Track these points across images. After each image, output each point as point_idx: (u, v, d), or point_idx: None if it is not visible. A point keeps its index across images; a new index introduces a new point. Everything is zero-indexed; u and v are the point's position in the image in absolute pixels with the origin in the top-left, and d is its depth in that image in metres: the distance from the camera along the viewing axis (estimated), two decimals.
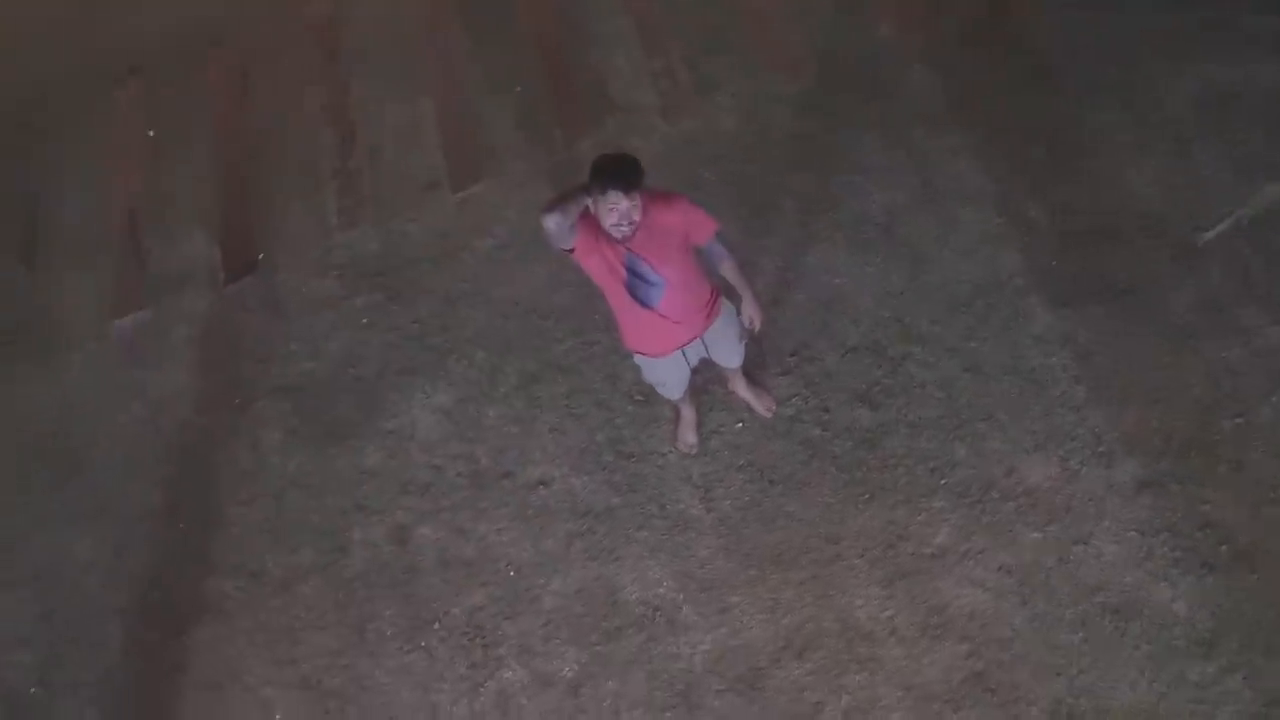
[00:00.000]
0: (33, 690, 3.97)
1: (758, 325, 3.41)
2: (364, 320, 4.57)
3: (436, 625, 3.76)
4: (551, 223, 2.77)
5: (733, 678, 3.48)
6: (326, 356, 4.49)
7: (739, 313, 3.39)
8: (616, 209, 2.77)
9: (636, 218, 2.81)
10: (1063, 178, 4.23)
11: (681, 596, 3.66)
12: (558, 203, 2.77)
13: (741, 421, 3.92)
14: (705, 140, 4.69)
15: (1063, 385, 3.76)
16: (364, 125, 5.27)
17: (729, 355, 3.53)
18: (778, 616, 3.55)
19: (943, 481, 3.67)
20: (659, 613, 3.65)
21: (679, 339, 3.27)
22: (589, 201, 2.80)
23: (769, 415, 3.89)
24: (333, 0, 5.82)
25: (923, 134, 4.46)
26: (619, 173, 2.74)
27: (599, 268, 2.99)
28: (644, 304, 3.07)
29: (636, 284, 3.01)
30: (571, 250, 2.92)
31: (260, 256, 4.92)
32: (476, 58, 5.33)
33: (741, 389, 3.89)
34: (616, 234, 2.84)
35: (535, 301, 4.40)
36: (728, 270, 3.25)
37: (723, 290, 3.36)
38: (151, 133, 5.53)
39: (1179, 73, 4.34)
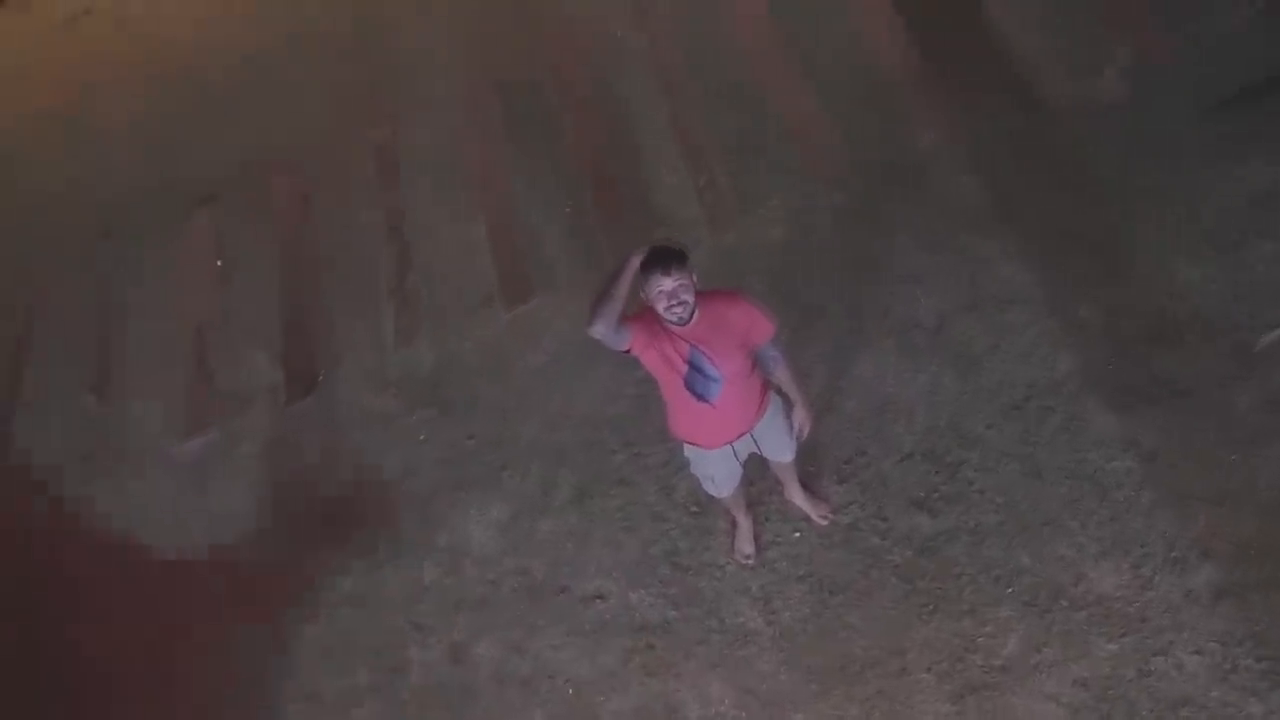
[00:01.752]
0: None
1: (807, 432, 3.43)
2: (420, 436, 4.64)
3: None
4: (599, 331, 2.81)
5: None
6: (383, 474, 4.55)
7: (788, 414, 3.41)
8: (663, 291, 2.84)
9: (687, 298, 2.87)
10: (1113, 281, 4.21)
11: (744, 714, 3.56)
12: (597, 305, 2.79)
13: (799, 531, 3.87)
14: (751, 251, 4.77)
15: (1127, 489, 3.67)
16: (419, 245, 5.45)
17: (779, 449, 3.51)
18: None
19: (1009, 590, 3.57)
20: None
21: (731, 432, 3.27)
22: (624, 289, 2.79)
23: (825, 523, 3.84)
24: (391, 126, 6.09)
25: (968, 239, 4.50)
26: (657, 255, 2.85)
27: (658, 362, 3.02)
28: (700, 397, 3.09)
29: (695, 378, 3.04)
30: (628, 350, 2.97)
31: (321, 376, 5.05)
32: (527, 178, 5.52)
33: (798, 497, 3.85)
34: (672, 317, 2.89)
35: (588, 414, 4.44)
36: (781, 374, 3.29)
37: (771, 387, 3.38)
38: (220, 261, 5.77)
39: (1225, 174, 4.35)
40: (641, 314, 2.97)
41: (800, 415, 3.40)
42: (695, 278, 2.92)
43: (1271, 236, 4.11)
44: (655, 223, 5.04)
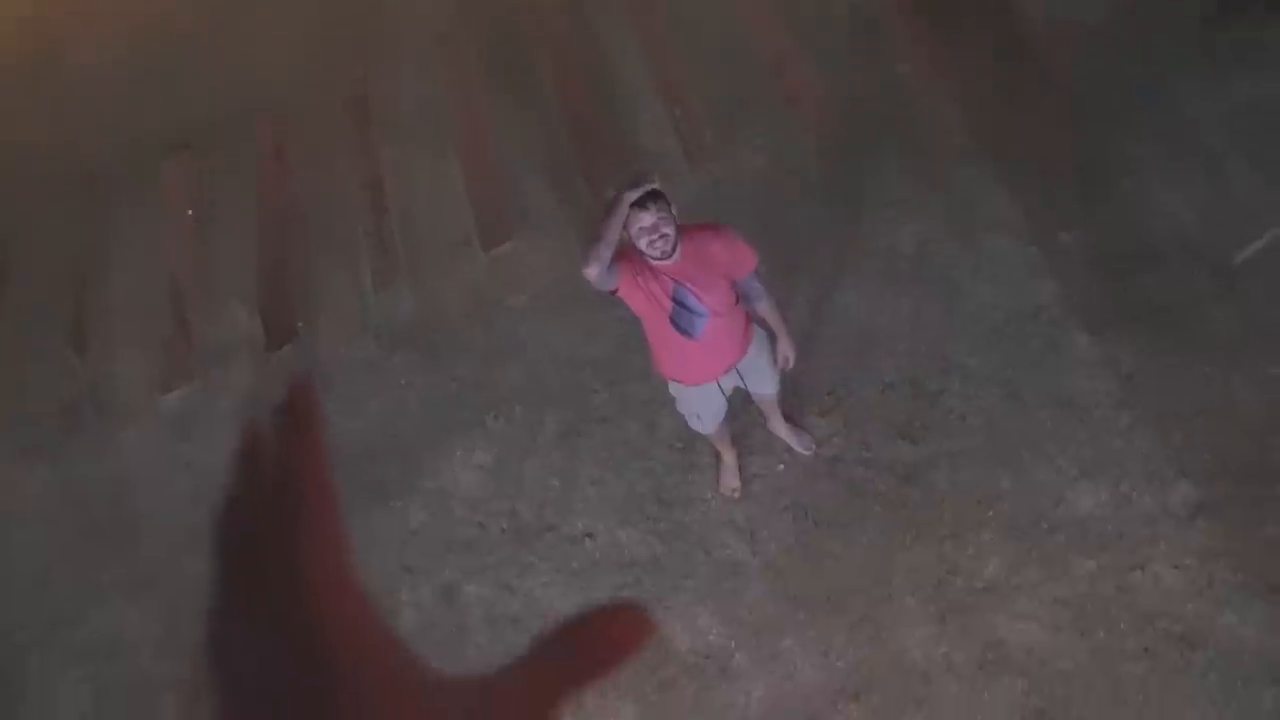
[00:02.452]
0: None
1: (791, 363, 3.44)
2: (402, 380, 4.63)
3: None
4: (593, 273, 2.82)
5: None
6: (367, 418, 4.54)
7: (772, 347, 3.42)
8: (643, 226, 2.83)
9: (667, 230, 2.86)
10: (1094, 203, 4.20)
11: (733, 643, 3.62)
12: (590, 247, 2.82)
13: (783, 463, 3.90)
14: (731, 184, 4.72)
15: (1107, 410, 3.70)
16: (395, 188, 5.38)
17: (764, 382, 3.52)
18: (831, 660, 3.50)
19: (990, 514, 3.62)
20: (711, 660, 3.61)
21: (717, 368, 3.28)
22: (618, 230, 2.82)
23: (809, 454, 3.87)
24: (366, 69, 5.97)
25: (949, 166, 4.46)
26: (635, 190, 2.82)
27: (643, 301, 3.01)
28: (686, 334, 3.09)
29: (681, 314, 3.03)
30: (615, 290, 2.96)
31: (300, 325, 5.01)
32: (504, 120, 5.43)
33: (781, 429, 3.87)
34: (654, 252, 2.88)
35: (571, 354, 4.43)
36: (764, 307, 3.29)
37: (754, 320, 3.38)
38: (190, 211, 5.68)
39: (1207, 93, 4.31)
40: (625, 253, 2.95)
41: (784, 347, 3.40)
42: (674, 211, 2.90)
43: (1251, 153, 4.10)
44: (634, 159, 4.98)
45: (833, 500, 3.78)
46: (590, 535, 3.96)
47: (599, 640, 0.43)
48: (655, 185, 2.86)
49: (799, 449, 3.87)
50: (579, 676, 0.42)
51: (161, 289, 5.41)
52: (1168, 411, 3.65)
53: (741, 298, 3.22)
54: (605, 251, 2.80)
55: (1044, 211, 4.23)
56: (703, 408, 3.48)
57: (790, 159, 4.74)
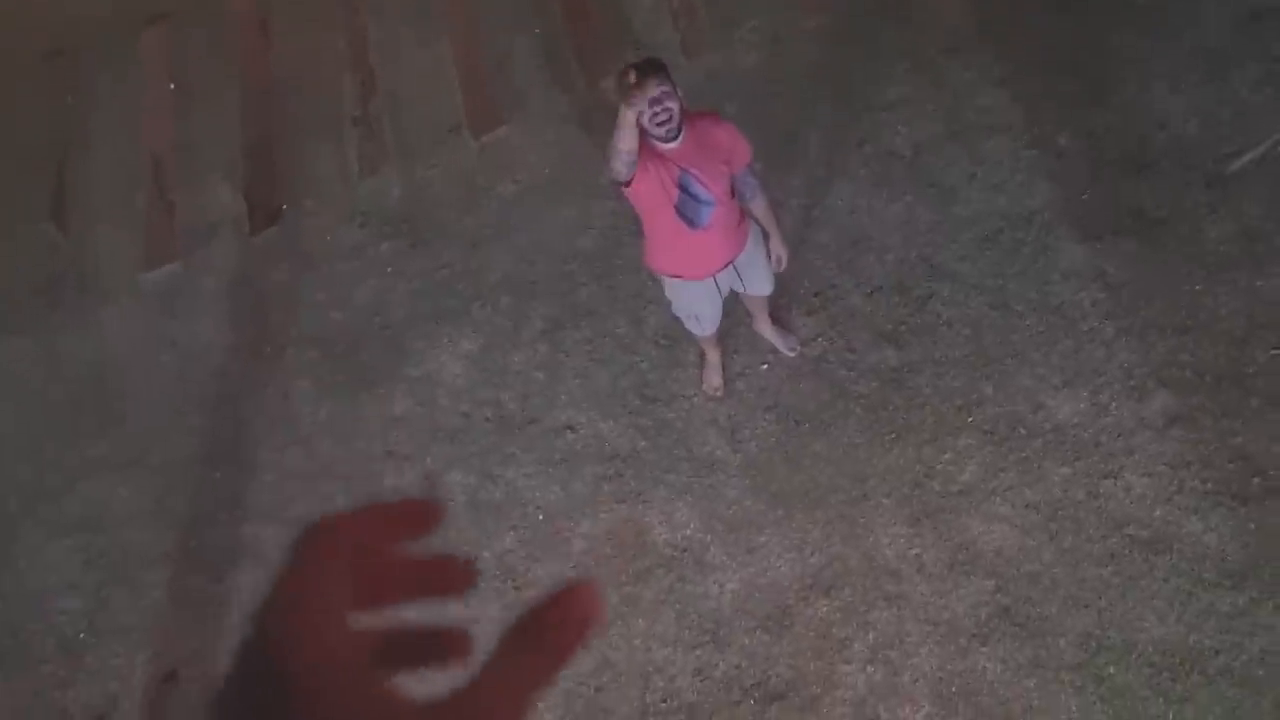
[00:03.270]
0: (81, 635, 4.10)
1: (784, 263, 3.43)
2: (389, 268, 4.59)
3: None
4: (621, 175, 2.85)
5: (761, 615, 3.52)
6: (353, 305, 4.52)
7: (767, 245, 3.41)
8: (649, 99, 2.77)
9: (671, 105, 2.83)
10: (1095, 106, 4.12)
11: (709, 537, 3.69)
12: (611, 159, 2.82)
13: (766, 363, 3.92)
14: (727, 76, 4.61)
15: (1092, 320, 3.71)
16: (383, 71, 5.23)
17: (761, 281, 3.51)
18: (805, 555, 3.58)
19: (970, 419, 3.66)
20: (687, 553, 3.69)
21: (719, 260, 3.26)
22: (633, 136, 2.79)
23: (793, 354, 3.88)
24: None
25: (949, 65, 4.36)
26: (636, 66, 2.78)
27: (651, 192, 2.98)
28: (691, 223, 3.06)
29: (686, 202, 3.01)
30: (628, 183, 2.94)
31: (284, 207, 4.93)
32: (496, 2, 5.25)
33: (766, 329, 3.87)
34: (660, 131, 2.85)
35: (559, 246, 4.39)
36: (758, 202, 3.28)
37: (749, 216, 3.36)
38: (173, 85, 5.52)
39: None
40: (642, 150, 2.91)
41: (777, 245, 3.39)
42: (680, 91, 2.86)
43: (1257, 59, 4.02)
44: (628, 45, 4.84)
45: (815, 401, 3.81)
46: (572, 428, 3.99)
47: (557, 629, 0.44)
48: (658, 59, 2.84)
49: (784, 349, 3.88)
50: (543, 670, 0.43)
51: (143, 164, 5.30)
52: (1152, 322, 3.66)
53: (736, 193, 3.18)
54: (624, 160, 2.82)
55: (1044, 114, 4.16)
56: (701, 307, 3.46)
57: (788, 54, 4.62)
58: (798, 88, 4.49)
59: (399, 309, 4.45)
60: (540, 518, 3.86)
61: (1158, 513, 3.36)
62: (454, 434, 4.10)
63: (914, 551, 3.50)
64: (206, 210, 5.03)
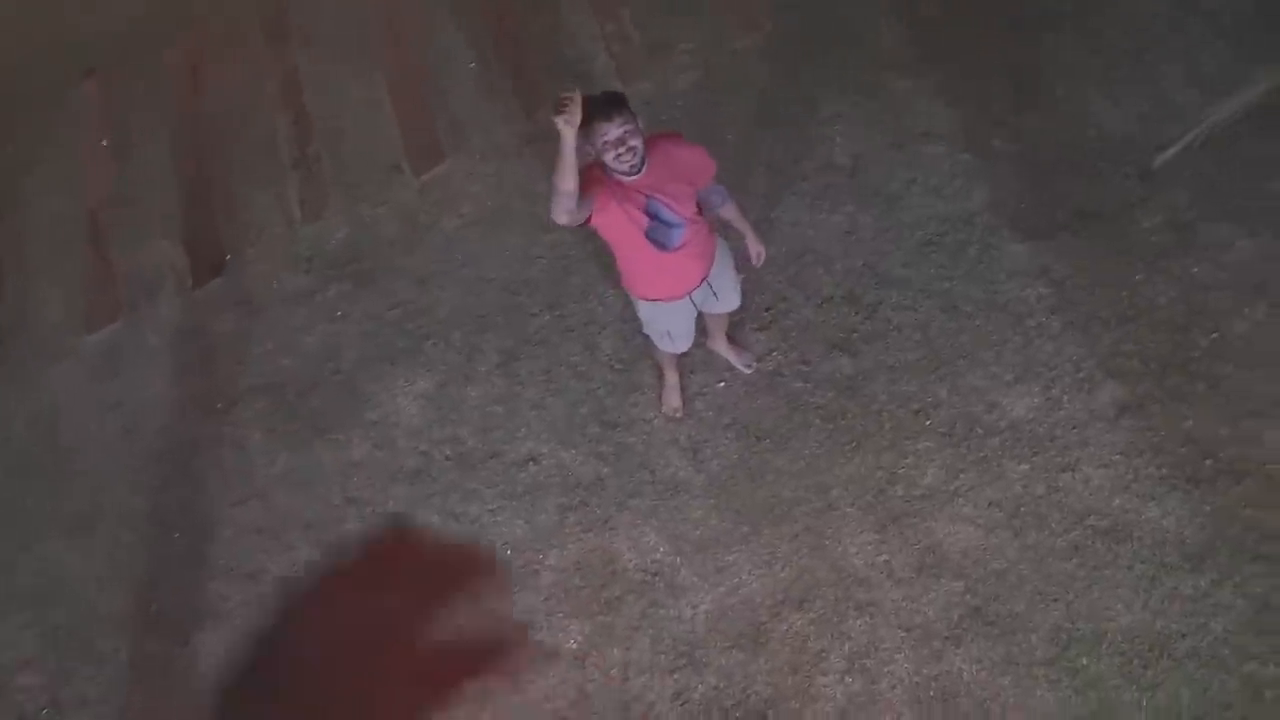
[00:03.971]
0: (44, 711, 3.97)
1: (763, 258, 3.46)
2: (338, 312, 4.54)
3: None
4: (564, 221, 2.78)
5: (735, 634, 3.52)
6: (303, 351, 4.46)
7: (740, 251, 3.45)
8: (609, 140, 2.73)
9: (635, 143, 2.77)
10: (1027, 109, 4.22)
11: (678, 559, 3.68)
12: (554, 201, 2.71)
13: (723, 381, 3.93)
14: (663, 100, 4.64)
15: (1039, 316, 3.77)
16: (319, 111, 5.18)
17: (731, 295, 3.53)
18: (775, 570, 3.58)
19: (927, 423, 3.69)
20: (658, 577, 3.67)
21: (695, 278, 3.26)
22: (573, 172, 2.64)
23: (749, 371, 3.89)
24: None
25: (883, 77, 4.43)
26: (598, 104, 2.71)
27: (618, 224, 2.93)
28: (663, 246, 3.04)
29: (656, 228, 2.98)
30: (588, 221, 2.88)
31: (228, 257, 4.86)
32: (426, 33, 5.24)
33: (721, 346, 3.89)
34: (622, 166, 2.80)
35: (507, 277, 4.37)
36: (729, 210, 3.30)
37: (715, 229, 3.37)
38: (105, 142, 5.42)
39: None
40: (589, 173, 2.83)
41: (754, 242, 3.42)
42: (640, 123, 2.81)
43: (1180, 59, 4.13)
44: (563, 75, 4.86)
45: (774, 415, 3.83)
46: (534, 459, 3.97)
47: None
48: (617, 92, 2.80)
49: (740, 366, 3.90)
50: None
51: (81, 221, 5.19)
52: (1096, 315, 3.73)
53: (704, 205, 3.18)
54: (568, 201, 2.71)
55: (977, 119, 4.24)
56: (676, 325, 3.46)
57: (722, 75, 4.66)
58: (734, 107, 4.54)
59: (350, 352, 4.40)
60: (508, 552, 3.82)
61: (1116, 502, 3.41)
62: (414, 475, 4.05)
63: (882, 558, 3.52)
64: (147, 265, 4.94)
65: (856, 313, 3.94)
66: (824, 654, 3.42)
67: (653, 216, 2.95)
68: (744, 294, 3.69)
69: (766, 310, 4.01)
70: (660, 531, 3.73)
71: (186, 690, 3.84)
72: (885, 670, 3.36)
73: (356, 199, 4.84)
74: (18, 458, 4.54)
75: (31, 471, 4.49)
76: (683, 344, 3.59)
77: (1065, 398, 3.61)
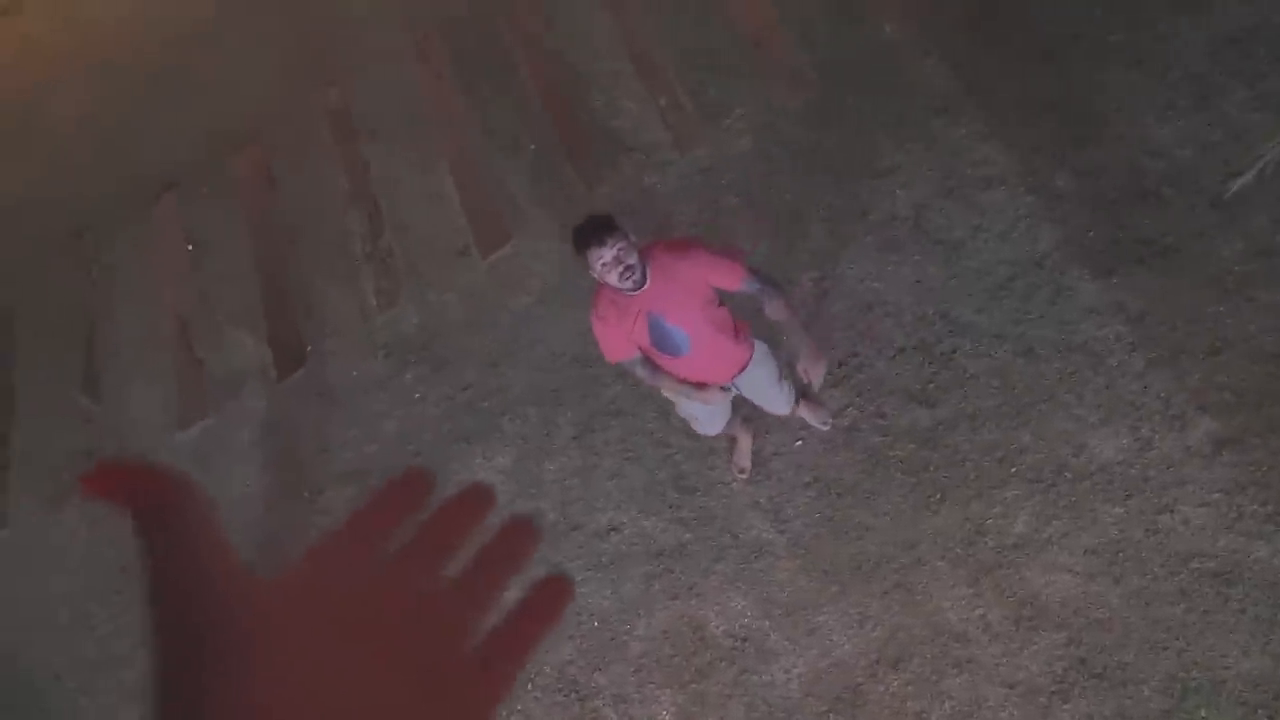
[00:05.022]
0: None
1: (815, 378, 3.15)
2: (415, 394, 4.65)
3: (529, 686, 3.78)
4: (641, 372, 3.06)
5: (831, 698, 3.44)
6: (384, 436, 4.57)
7: (778, 360, 3.30)
8: (605, 263, 2.71)
9: (631, 261, 2.73)
10: (1087, 146, 4.16)
11: (768, 623, 3.63)
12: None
13: (800, 439, 3.90)
14: (721, 166, 4.71)
15: (1119, 354, 3.68)
16: (388, 203, 5.38)
17: (771, 400, 3.39)
18: (867, 630, 3.50)
19: (1013, 470, 3.61)
20: (747, 642, 3.62)
21: (717, 378, 3.16)
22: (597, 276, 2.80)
23: (826, 428, 3.86)
24: (342, 84, 5.96)
25: (938, 125, 4.43)
26: (584, 231, 2.73)
27: (623, 345, 2.98)
28: (674, 353, 3.01)
29: (662, 340, 2.94)
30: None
31: (309, 348, 5.03)
32: (486, 121, 5.42)
33: (799, 407, 3.86)
34: (627, 285, 2.76)
35: (577, 351, 4.43)
36: (775, 311, 2.99)
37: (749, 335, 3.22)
38: (190, 246, 5.70)
39: (1191, 23, 4.26)
40: (598, 303, 2.92)
41: (806, 357, 3.09)
42: (633, 238, 2.77)
43: (1242, 81, 4.05)
44: (621, 150, 4.97)
45: (854, 470, 3.78)
46: (615, 529, 3.97)
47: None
48: (603, 215, 2.76)
49: (815, 424, 3.87)
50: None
51: (168, 327, 5.44)
52: (1181, 349, 3.62)
53: (746, 303, 3.07)
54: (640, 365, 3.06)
55: (1037, 159, 4.20)
56: (702, 411, 3.38)
57: (778, 136, 4.71)
58: (792, 167, 4.58)
59: (429, 434, 4.49)
60: (595, 624, 3.82)
61: (1221, 542, 3.27)
62: None
63: (978, 612, 3.42)
64: (233, 362, 5.15)
65: (930, 363, 3.89)
66: (924, 715, 3.32)
67: (655, 330, 2.91)
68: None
69: (839, 366, 3.99)
70: (747, 595, 3.69)
71: None
72: None
73: (427, 285, 4.98)
74: (121, 560, 4.70)
75: (130, 574, 4.63)
76: (711, 429, 3.51)
77: (1156, 436, 3.50)
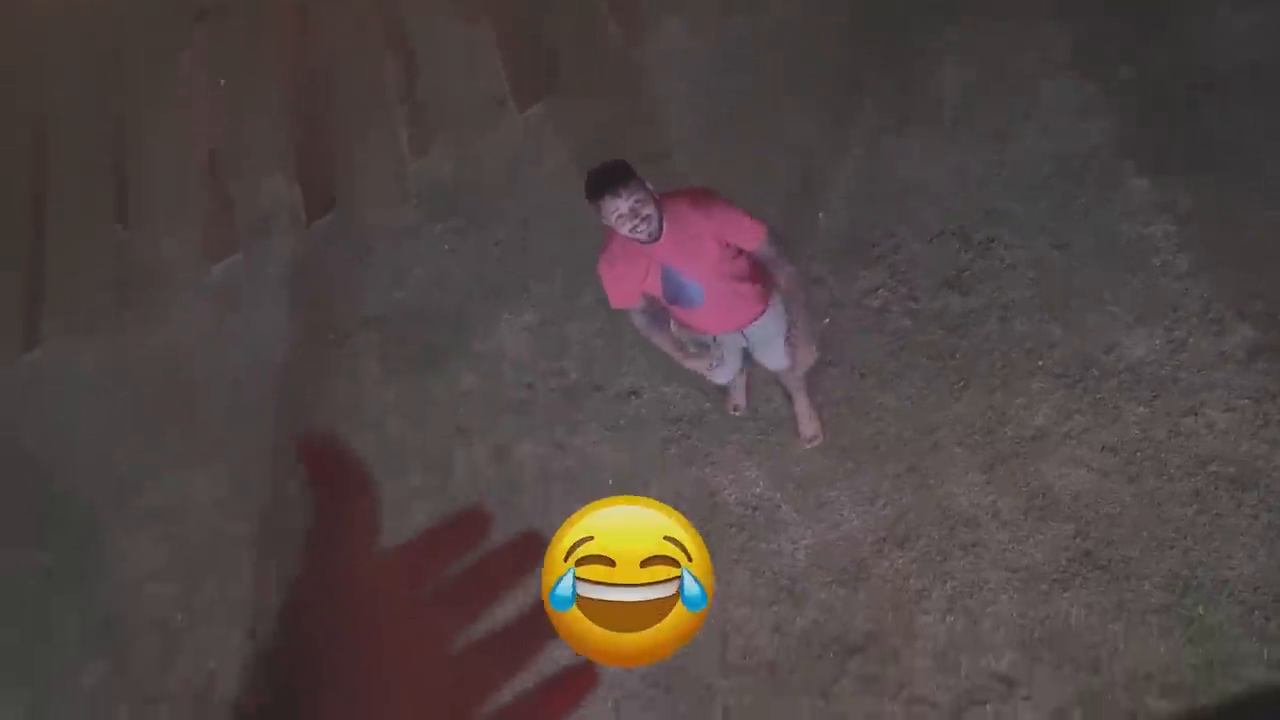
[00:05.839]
0: (179, 617, 4.25)
1: (801, 361, 3.16)
2: (445, 246, 4.63)
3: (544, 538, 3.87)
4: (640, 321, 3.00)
5: (836, 570, 3.52)
6: (412, 285, 4.57)
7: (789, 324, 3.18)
8: (621, 214, 2.60)
9: (648, 212, 2.62)
10: (1155, 34, 3.98)
11: (779, 495, 3.68)
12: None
13: (828, 318, 3.88)
14: (767, 33, 4.54)
15: (1164, 254, 3.60)
16: (425, 50, 5.24)
17: (773, 357, 3.29)
18: (877, 508, 3.56)
19: (1040, 363, 3.59)
20: (758, 511, 3.69)
21: (727, 326, 3.09)
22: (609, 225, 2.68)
23: (809, 446, 3.68)
24: None
25: (1000, 5, 4.23)
26: (601, 178, 2.60)
27: (635, 295, 2.91)
28: (688, 304, 2.94)
29: (674, 291, 2.88)
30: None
31: (338, 193, 4.99)
32: None
33: (798, 403, 3.68)
34: (640, 236, 2.65)
35: None
36: (786, 280, 2.94)
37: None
38: (223, 81, 5.60)
39: None
40: (609, 246, 2.81)
41: (796, 335, 3.08)
42: (650, 188, 2.65)
43: None
44: (666, 8, 4.79)
45: (878, 352, 3.77)
46: (636, 393, 4.00)
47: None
48: (620, 163, 2.63)
49: (803, 433, 3.68)
50: None
51: (199, 160, 5.40)
52: (1228, 254, 3.54)
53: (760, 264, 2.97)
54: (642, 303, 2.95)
55: (1102, 48, 4.02)
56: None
57: (828, 3, 4.52)
58: (843, 37, 4.40)
59: (458, 286, 4.49)
60: (610, 483, 3.89)
61: (1244, 448, 3.27)
62: (521, 406, 4.14)
63: (989, 499, 3.46)
64: (263, 201, 5.12)
65: (967, 250, 3.83)
66: (926, 592, 3.40)
67: (668, 282, 2.84)
68: (849, 229, 3.62)
69: (873, 246, 3.93)
70: (761, 467, 3.74)
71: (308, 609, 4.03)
72: (988, 611, 3.32)
73: (462, 135, 4.90)
74: (148, 386, 4.80)
75: (161, 399, 4.74)
76: (723, 376, 3.42)
77: (1191, 339, 3.46)
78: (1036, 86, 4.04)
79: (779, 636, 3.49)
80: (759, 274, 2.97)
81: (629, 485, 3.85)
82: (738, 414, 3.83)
